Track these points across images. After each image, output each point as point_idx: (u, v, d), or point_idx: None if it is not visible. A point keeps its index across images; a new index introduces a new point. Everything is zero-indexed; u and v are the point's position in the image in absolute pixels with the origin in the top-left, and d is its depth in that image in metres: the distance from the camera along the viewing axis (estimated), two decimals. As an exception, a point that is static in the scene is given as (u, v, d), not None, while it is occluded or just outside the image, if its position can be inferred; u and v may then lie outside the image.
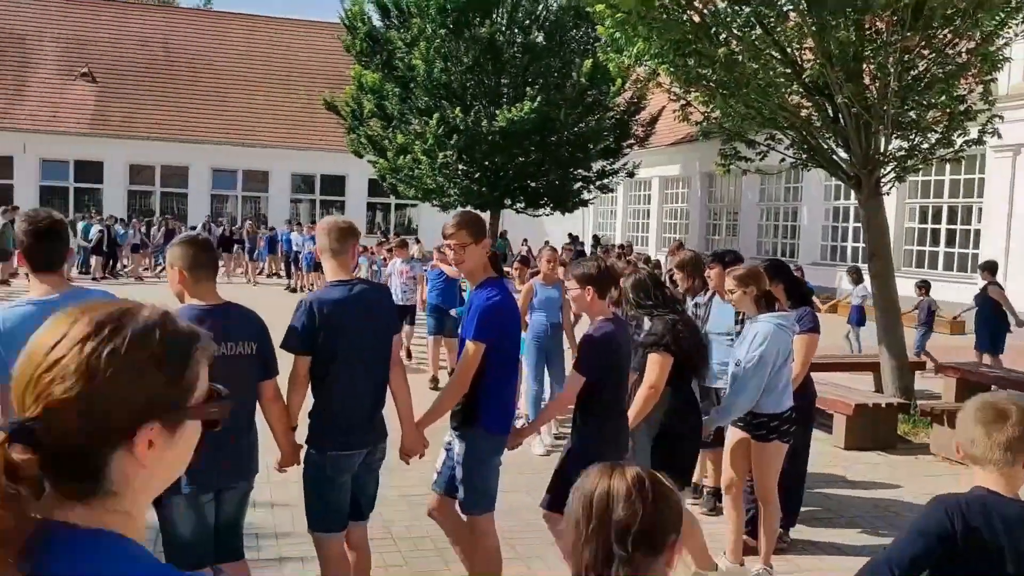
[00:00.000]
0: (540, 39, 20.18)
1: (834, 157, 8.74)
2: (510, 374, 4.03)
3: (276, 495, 5.41)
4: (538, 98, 18.71)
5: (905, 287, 10.43)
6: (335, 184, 31.85)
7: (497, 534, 3.99)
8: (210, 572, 3.55)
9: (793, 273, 5.33)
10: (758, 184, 22.41)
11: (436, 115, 19.29)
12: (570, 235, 28.38)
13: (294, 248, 20.86)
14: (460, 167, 20.37)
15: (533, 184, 21.24)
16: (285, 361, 3.61)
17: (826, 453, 7.27)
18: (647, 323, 4.85)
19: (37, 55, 30.15)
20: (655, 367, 4.19)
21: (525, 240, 26.67)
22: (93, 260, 22.13)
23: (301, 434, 3.72)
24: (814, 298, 7.02)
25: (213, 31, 33.52)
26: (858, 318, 12.07)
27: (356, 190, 31.54)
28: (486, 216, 22.48)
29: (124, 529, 1.00)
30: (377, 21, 20.89)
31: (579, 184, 22.03)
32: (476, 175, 20.67)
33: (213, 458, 3.32)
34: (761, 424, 4.52)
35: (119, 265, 23.18)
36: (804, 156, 8.97)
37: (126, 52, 31.25)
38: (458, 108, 19.20)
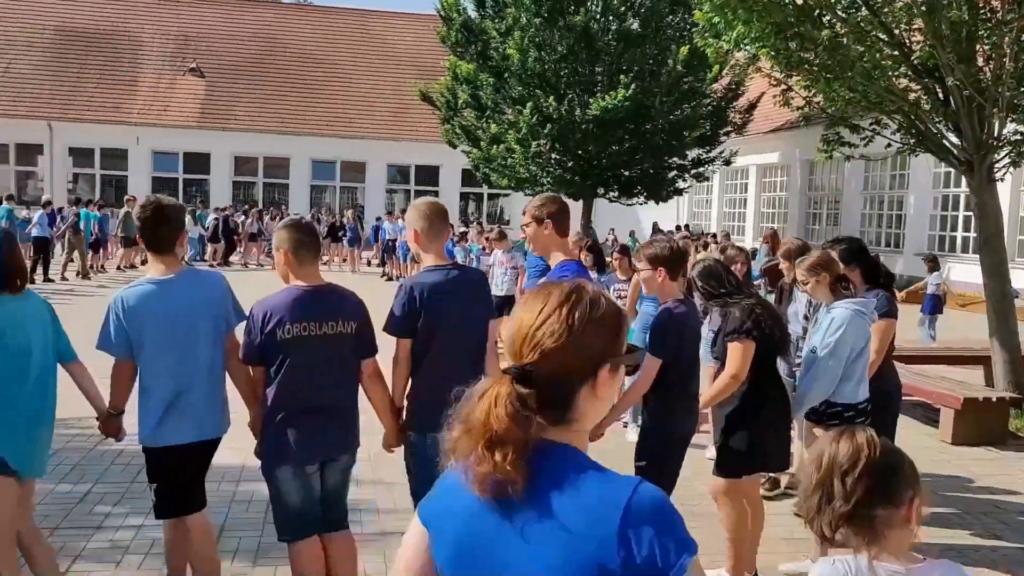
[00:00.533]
0: (635, 26, 19.96)
1: (944, 142, 8.38)
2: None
3: (376, 474, 5.58)
4: (632, 86, 18.54)
5: (1020, 278, 9.94)
6: (429, 174, 32.31)
7: None
8: None
9: (871, 256, 5.09)
10: (862, 171, 21.68)
11: (530, 104, 19.33)
12: (654, 225, 28.11)
13: (387, 236, 21.30)
14: (553, 156, 20.38)
15: (627, 173, 21.07)
16: (385, 345, 3.72)
17: (932, 448, 7.03)
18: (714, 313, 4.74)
19: (148, 52, 31.58)
20: (737, 355, 4.09)
21: (612, 230, 26.53)
22: (210, 248, 23.28)
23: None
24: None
25: (315, 25, 34.41)
26: (932, 307, 11.64)
27: (449, 180, 31.93)
28: (578, 205, 22.45)
29: (580, 445, 1.42)
30: (472, 12, 21.04)
31: (674, 173, 21.74)
32: (569, 164, 20.65)
33: (317, 431, 3.51)
34: (835, 414, 4.34)
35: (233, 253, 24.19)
36: (912, 141, 8.63)
37: (232, 47, 32.43)
38: (552, 97, 19.20)
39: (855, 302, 4.33)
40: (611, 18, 19.71)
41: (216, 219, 23.09)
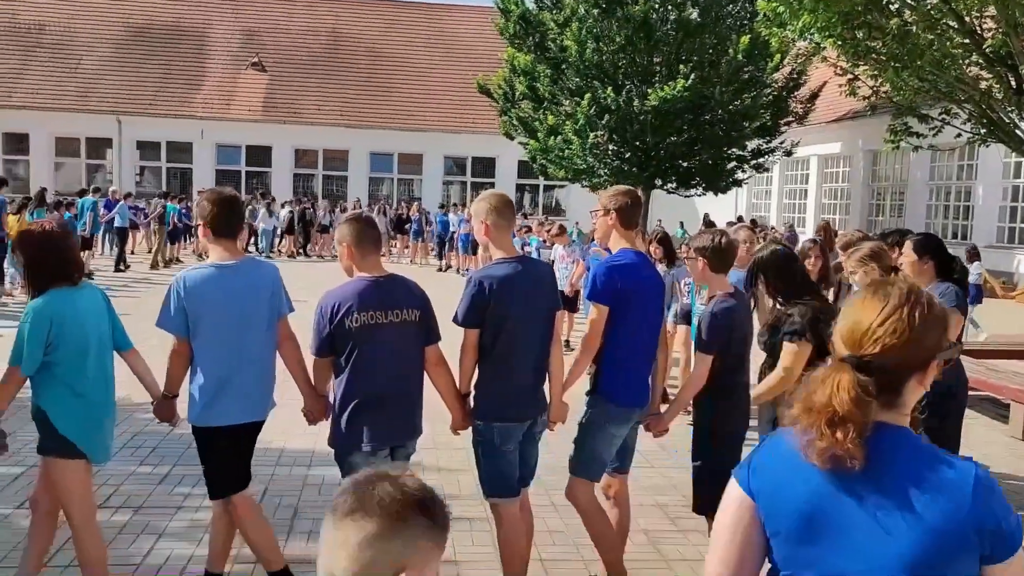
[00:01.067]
0: (694, 16, 19.77)
1: (1017, 131, 8.18)
2: (638, 343, 3.92)
3: (443, 461, 5.70)
4: (691, 76, 18.38)
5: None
6: (486, 166, 32.45)
7: (596, 505, 3.98)
8: None
9: (947, 251, 4.93)
10: (928, 161, 21.16)
11: (587, 95, 19.30)
12: (705, 217, 27.80)
13: (451, 229, 21.48)
14: (610, 147, 20.32)
15: (685, 164, 20.90)
16: (449, 335, 3.81)
17: (1001, 443, 6.90)
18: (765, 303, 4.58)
19: (213, 47, 32.25)
20: (790, 355, 4.00)
21: (659, 221, 26.32)
22: (286, 240, 24.14)
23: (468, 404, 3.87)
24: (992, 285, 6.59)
25: (373, 19, 34.74)
26: (973, 297, 11.44)
27: (506, 172, 32.00)
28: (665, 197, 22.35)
29: (905, 425, 1.60)
30: (530, 3, 21.05)
31: (733, 164, 21.49)
32: (626, 155, 20.57)
33: (391, 417, 3.61)
34: None
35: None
36: (983, 131, 8.44)
37: (293, 42, 32.93)
38: (609, 88, 19.13)
39: None
40: (670, 7, 19.54)
41: (291, 211, 23.96)
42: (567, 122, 19.98)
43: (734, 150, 21.09)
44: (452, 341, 3.82)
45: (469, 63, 31.81)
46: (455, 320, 3.74)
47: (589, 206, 14.54)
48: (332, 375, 3.69)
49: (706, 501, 3.96)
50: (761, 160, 21.91)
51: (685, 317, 7.22)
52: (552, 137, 20.35)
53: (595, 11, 19.17)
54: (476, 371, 3.80)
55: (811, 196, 26.94)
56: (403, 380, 3.65)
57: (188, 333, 3.64)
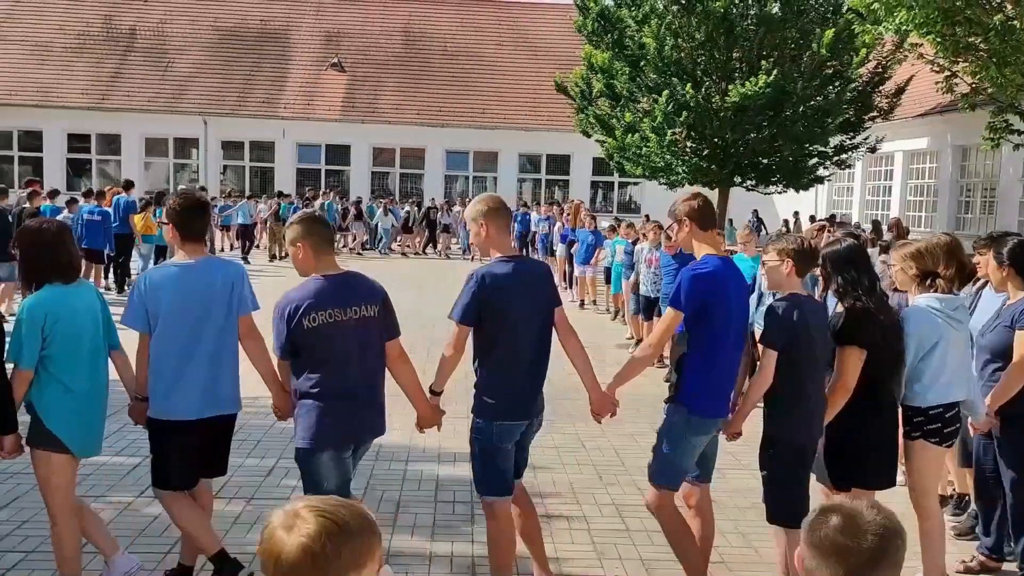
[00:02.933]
0: (775, 10, 19.40)
1: None
2: (721, 352, 3.85)
3: (534, 458, 5.76)
4: (774, 71, 18.06)
5: None
6: (560, 163, 32.49)
7: (674, 518, 3.93)
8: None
9: None
10: (1022, 159, 20.36)
11: (665, 92, 19.14)
12: (795, 214, 27.32)
13: (532, 229, 21.56)
14: (688, 144, 20.10)
15: (765, 161, 20.55)
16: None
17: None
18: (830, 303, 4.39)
19: (294, 49, 33.04)
20: (844, 363, 3.85)
21: (731, 221, 25.89)
22: (399, 238, 25.52)
23: (451, 401, 3.99)
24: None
25: (446, 17, 35.07)
26: None
27: (580, 169, 32.00)
28: (714, 194, 22.07)
29: None
30: (608, 0, 20.97)
31: (814, 160, 21.04)
32: (704, 152, 20.33)
33: (352, 416, 3.62)
34: (905, 419, 4.12)
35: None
36: (1089, 128, 8.14)
37: (370, 42, 33.50)
38: (688, 84, 18.94)
39: (932, 297, 4.09)
40: (751, 2, 19.22)
41: (407, 211, 25.39)
42: (644, 119, 19.84)
43: (816, 146, 20.63)
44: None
45: (544, 60, 31.88)
46: (450, 315, 3.76)
47: (664, 203, 14.51)
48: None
49: (776, 512, 3.89)
50: (844, 156, 21.40)
51: None
52: (629, 135, 20.24)
53: (674, 7, 18.99)
54: (482, 370, 3.80)
55: (895, 193, 26.20)
56: (366, 377, 3.66)
57: (149, 329, 3.75)
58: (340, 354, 3.55)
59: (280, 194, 24.28)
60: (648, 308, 9.73)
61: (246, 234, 21.52)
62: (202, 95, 30.86)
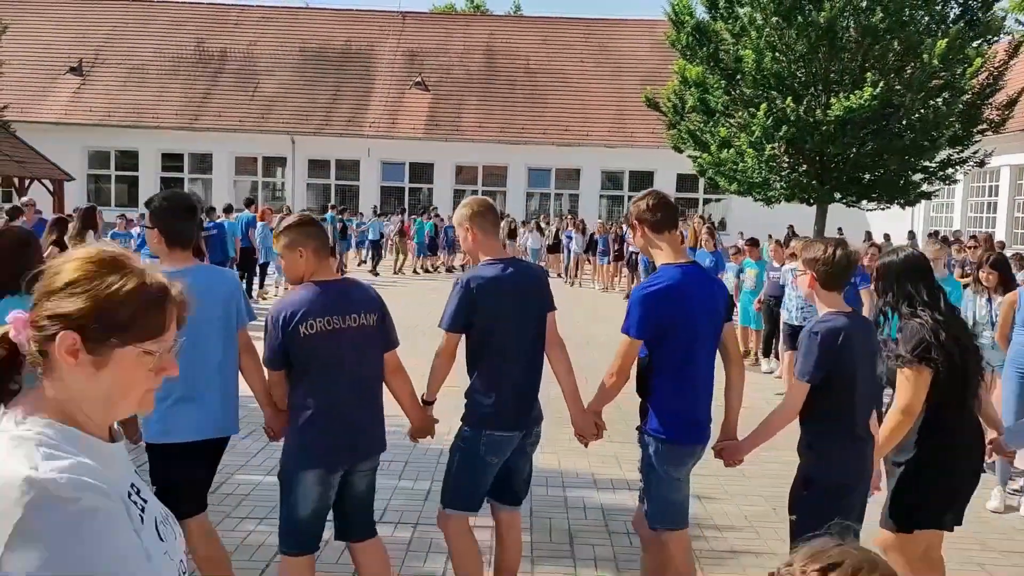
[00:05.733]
0: (879, 20, 18.76)
1: None
2: (690, 374, 3.48)
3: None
4: (880, 84, 17.43)
5: None
6: (643, 180, 32.07)
7: (690, 550, 3.60)
8: None
9: None
10: None
11: (763, 106, 18.65)
12: (884, 234, 26.37)
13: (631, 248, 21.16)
14: (785, 159, 19.55)
15: (867, 176, 19.84)
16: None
17: None
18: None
19: (378, 68, 33.44)
20: (906, 385, 3.39)
21: (770, 236, 25.05)
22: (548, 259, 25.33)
23: (443, 411, 3.74)
24: None
25: (525, 36, 35.15)
26: None
27: (664, 186, 31.29)
28: (812, 211, 21.43)
29: None
30: (702, 14, 20.60)
31: (919, 175, 20.23)
32: (803, 167, 19.74)
33: (347, 433, 3.31)
34: None
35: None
36: None
37: (452, 60, 33.72)
38: (789, 98, 18.42)
39: None
40: (857, 13, 18.62)
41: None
42: (741, 134, 19.37)
43: (922, 161, 19.84)
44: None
45: (625, 76, 31.66)
46: (440, 324, 3.58)
47: (752, 220, 13.92)
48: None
49: None
50: (950, 171, 20.55)
51: None
52: (725, 150, 19.78)
53: (774, 19, 18.52)
54: (473, 377, 3.61)
55: (1001, 209, 25.08)
56: (364, 388, 3.43)
57: None
58: (337, 364, 3.32)
59: (403, 210, 26.73)
60: (792, 337, 8.66)
61: (375, 248, 23.03)
62: (289, 114, 31.43)
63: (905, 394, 3.41)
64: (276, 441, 3.59)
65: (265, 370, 3.51)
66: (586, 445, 3.83)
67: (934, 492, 3.51)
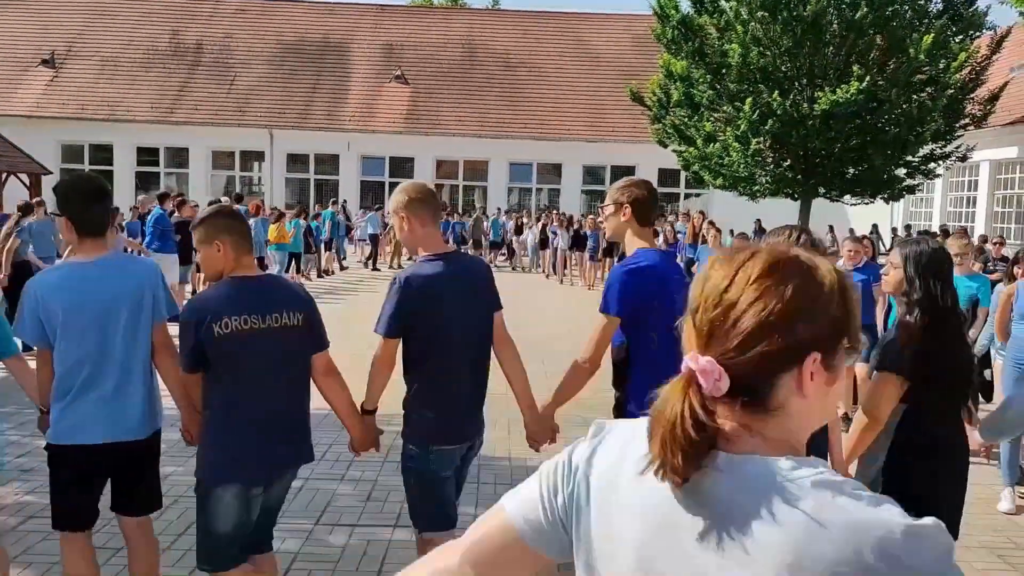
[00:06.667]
0: (864, 14, 18.78)
1: None
2: (671, 360, 3.21)
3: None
4: (867, 78, 17.47)
5: None
6: (624, 175, 31.69)
7: None
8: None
9: None
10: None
11: (748, 100, 18.63)
12: (873, 227, 26.49)
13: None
14: (771, 154, 19.56)
15: (851, 170, 19.92)
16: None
17: None
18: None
19: (357, 62, 33.09)
20: (876, 391, 3.17)
21: (831, 227, 25.24)
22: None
23: (384, 421, 3.45)
24: None
25: (505, 29, 34.96)
26: None
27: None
28: (796, 205, 21.48)
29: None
30: (687, 8, 20.53)
31: (903, 170, 20.34)
32: (788, 162, 19.76)
33: (268, 443, 3.05)
34: None
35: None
36: None
37: (431, 54, 33.45)
38: (775, 92, 18.41)
39: None
40: (842, 7, 18.62)
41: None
42: (727, 128, 19.36)
43: (906, 156, 19.94)
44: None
45: (607, 71, 31.58)
46: (376, 328, 3.25)
47: (732, 215, 13.82)
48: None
49: None
50: (932, 166, 20.68)
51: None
52: (711, 144, 19.76)
53: (759, 13, 18.50)
54: (413, 387, 3.30)
55: (980, 204, 25.29)
56: (286, 394, 3.15)
57: (46, 340, 3.20)
58: (255, 367, 3.05)
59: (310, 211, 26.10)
60: None
61: (373, 243, 22.99)
62: (267, 108, 31.01)
63: (872, 399, 3.21)
64: (192, 445, 3.33)
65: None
66: (537, 450, 3.58)
67: (913, 503, 3.26)
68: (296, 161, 32.05)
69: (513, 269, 24.27)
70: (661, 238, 14.40)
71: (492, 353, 3.50)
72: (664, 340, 3.12)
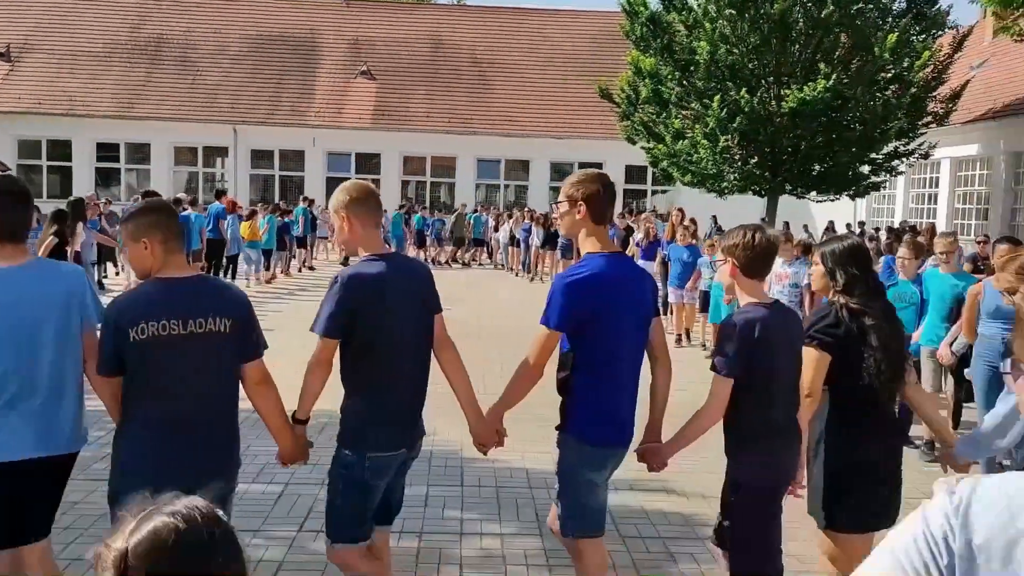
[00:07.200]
0: (831, 12, 18.97)
1: None
2: (615, 371, 3.26)
3: (703, 486, 5.30)
4: (833, 76, 17.67)
5: None
6: (592, 171, 32.10)
7: (606, 562, 3.38)
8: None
9: None
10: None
11: (717, 97, 18.74)
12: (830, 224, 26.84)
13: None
14: (739, 151, 19.69)
15: (818, 168, 20.13)
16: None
17: None
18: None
19: (323, 57, 32.74)
20: (805, 364, 3.27)
21: (786, 224, 25.44)
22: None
23: (317, 430, 3.37)
24: None
25: (473, 25, 34.81)
26: None
27: (613, 176, 31.14)
28: (763, 201, 21.66)
29: None
30: (655, 5, 20.59)
31: (867, 167, 20.61)
32: (755, 159, 19.91)
33: (183, 452, 2.92)
34: None
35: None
36: None
37: (398, 49, 33.20)
38: (743, 89, 18.54)
39: None
40: (808, 5, 18.80)
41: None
42: (696, 125, 19.46)
43: (871, 153, 20.20)
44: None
45: (575, 68, 31.58)
46: (312, 328, 3.16)
47: (699, 212, 13.83)
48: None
49: (739, 566, 3.25)
50: (895, 163, 20.97)
51: None
52: (679, 141, 19.85)
53: (727, 11, 18.60)
54: (351, 390, 3.21)
55: (942, 201, 25.71)
56: (208, 405, 3.00)
57: None
58: (173, 375, 2.91)
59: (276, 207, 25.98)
60: None
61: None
62: (231, 104, 30.56)
63: (804, 375, 3.29)
64: None
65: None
66: (485, 453, 3.54)
67: (845, 493, 3.30)
68: (261, 157, 31.61)
69: (495, 267, 24.19)
70: (641, 235, 14.27)
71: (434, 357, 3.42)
72: (608, 346, 3.19)
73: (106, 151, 30.73)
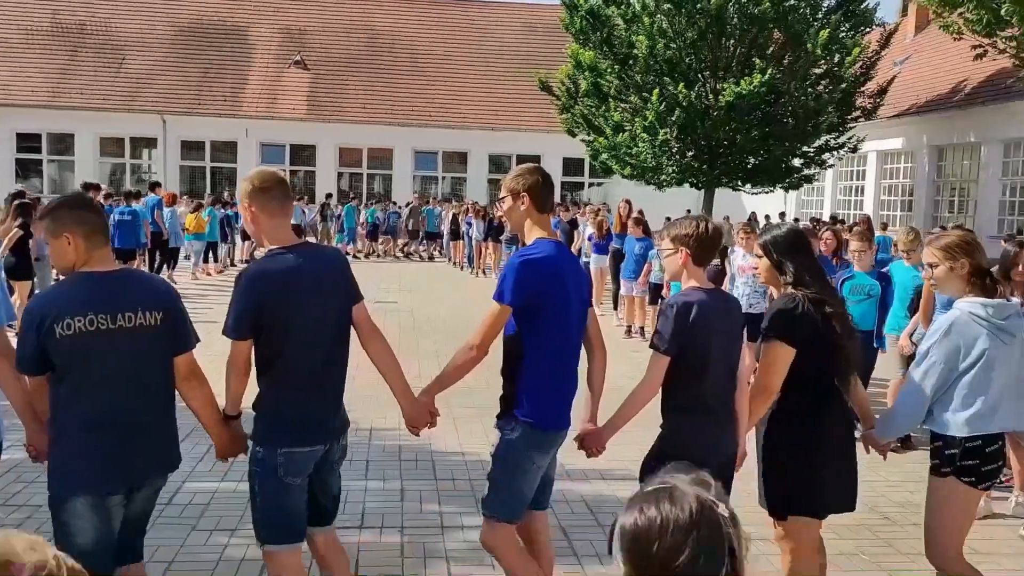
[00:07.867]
0: (765, 10, 19.40)
1: None
2: (561, 354, 3.31)
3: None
4: (768, 71, 18.09)
5: None
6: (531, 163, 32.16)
7: (517, 550, 3.34)
8: None
9: None
10: (1000, 156, 20.80)
11: (655, 91, 19.01)
12: (752, 215, 27.48)
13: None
14: (676, 144, 20.01)
15: (752, 161, 20.60)
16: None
17: None
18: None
19: (255, 46, 32.05)
20: (766, 360, 3.34)
21: (727, 217, 26.01)
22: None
23: (246, 425, 3.25)
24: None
25: (408, 16, 34.48)
26: None
27: (550, 169, 31.01)
28: (700, 194, 22.08)
29: None
30: (595, -1, 20.72)
31: (799, 160, 21.18)
32: (692, 152, 20.27)
33: (122, 451, 2.88)
34: (936, 451, 3.42)
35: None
36: None
37: (336, 40, 32.71)
38: (681, 84, 18.84)
39: (976, 302, 3.35)
40: (739, 1, 19.16)
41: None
42: (636, 118, 19.70)
43: (803, 147, 20.75)
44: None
45: (512, 61, 31.62)
46: (223, 331, 3.06)
47: (637, 203, 13.98)
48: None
49: None
50: (825, 156, 21.60)
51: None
52: (619, 134, 20.06)
53: (665, 5, 18.86)
54: (263, 386, 3.13)
55: (868, 193, 26.58)
56: (142, 400, 2.94)
57: None
58: (105, 371, 2.84)
59: (327, 196, 27.11)
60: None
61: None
62: (159, 93, 29.67)
63: (765, 369, 3.34)
64: (39, 462, 3.05)
65: (24, 377, 2.98)
66: (417, 435, 3.48)
67: (797, 479, 3.34)
68: (191, 148, 30.82)
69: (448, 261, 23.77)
70: (589, 230, 14.23)
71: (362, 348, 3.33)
72: (558, 329, 3.24)
73: (27, 142, 29.54)
